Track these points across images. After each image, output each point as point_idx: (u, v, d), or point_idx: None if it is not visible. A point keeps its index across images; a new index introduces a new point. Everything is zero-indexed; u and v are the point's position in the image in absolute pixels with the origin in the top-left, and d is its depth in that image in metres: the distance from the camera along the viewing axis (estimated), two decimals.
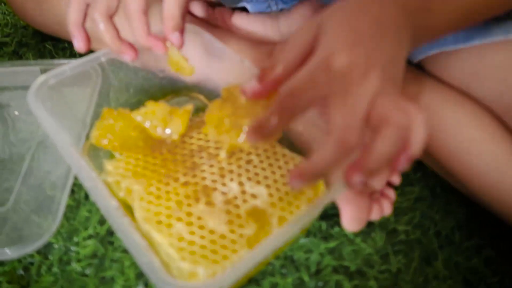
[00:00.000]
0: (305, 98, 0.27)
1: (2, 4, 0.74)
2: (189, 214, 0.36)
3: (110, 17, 0.39)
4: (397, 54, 0.30)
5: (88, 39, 0.40)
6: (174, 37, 0.38)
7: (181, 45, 0.39)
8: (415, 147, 0.27)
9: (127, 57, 0.40)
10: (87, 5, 0.39)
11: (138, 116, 0.41)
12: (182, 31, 0.39)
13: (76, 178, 0.47)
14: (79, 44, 0.40)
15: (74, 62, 0.42)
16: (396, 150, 0.26)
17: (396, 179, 0.42)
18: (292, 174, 0.26)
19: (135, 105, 0.47)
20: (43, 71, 0.58)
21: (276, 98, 0.28)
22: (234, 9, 0.59)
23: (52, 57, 0.63)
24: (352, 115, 0.27)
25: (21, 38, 0.67)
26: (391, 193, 0.41)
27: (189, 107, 0.43)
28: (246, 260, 0.29)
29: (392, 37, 0.29)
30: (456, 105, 0.42)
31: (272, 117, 0.27)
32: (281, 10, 0.58)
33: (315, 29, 0.29)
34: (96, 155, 0.44)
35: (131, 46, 0.40)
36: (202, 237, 0.34)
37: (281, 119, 0.27)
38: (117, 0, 0.38)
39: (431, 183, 0.46)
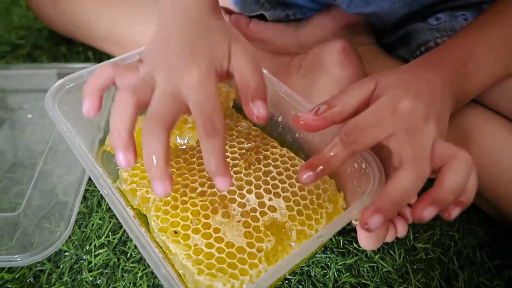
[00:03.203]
0: (371, 135, 0.30)
1: (17, 7, 0.74)
2: (206, 225, 0.35)
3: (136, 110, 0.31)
4: (444, 113, 0.33)
5: (99, 108, 0.33)
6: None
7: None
8: (470, 193, 0.29)
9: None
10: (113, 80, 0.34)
11: None
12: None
13: (89, 184, 0.46)
14: (87, 108, 0.33)
15: (92, 67, 0.42)
16: (465, 184, 0.28)
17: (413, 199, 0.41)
18: (368, 212, 0.28)
19: None
20: (57, 75, 0.58)
21: (340, 134, 0.30)
22: (251, 17, 0.58)
23: (66, 60, 0.63)
24: (422, 149, 0.29)
25: (36, 41, 0.66)
26: (408, 214, 0.40)
27: None
28: (265, 276, 0.28)
29: (441, 99, 0.33)
30: (483, 116, 0.42)
31: (336, 151, 0.29)
32: (300, 20, 0.57)
33: (373, 85, 0.33)
34: (110, 161, 0.43)
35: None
36: (220, 250, 0.33)
37: (343, 156, 0.29)
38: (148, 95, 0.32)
39: None
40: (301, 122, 0.32)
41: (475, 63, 0.35)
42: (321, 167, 0.29)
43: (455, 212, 0.29)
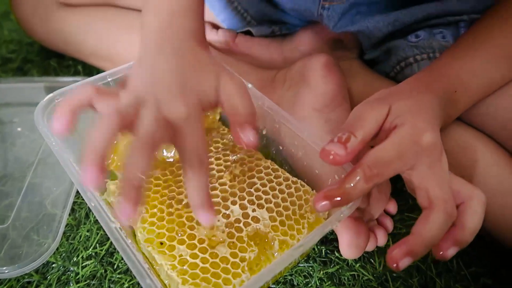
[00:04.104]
0: (394, 168, 0.30)
1: (8, 21, 0.75)
2: (191, 236, 0.36)
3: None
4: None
5: (69, 128, 0.31)
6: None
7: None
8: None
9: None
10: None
11: None
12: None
13: (77, 197, 0.47)
14: (57, 128, 0.31)
15: (82, 81, 0.43)
16: (481, 222, 0.30)
17: (393, 208, 0.43)
18: (400, 253, 0.29)
19: None
20: (47, 88, 0.59)
21: (362, 168, 0.30)
22: (238, 33, 0.60)
23: (57, 74, 0.64)
24: (448, 188, 0.30)
25: (26, 55, 0.68)
26: (388, 223, 0.42)
27: None
28: (247, 285, 0.30)
29: (439, 124, 0.34)
30: (465, 130, 0.43)
31: (359, 184, 0.30)
32: (285, 35, 0.59)
33: (387, 110, 0.33)
34: None
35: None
36: (204, 260, 0.34)
37: (365, 188, 0.30)
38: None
39: None
40: (331, 157, 0.31)
41: (463, 90, 0.37)
42: (339, 198, 0.30)
43: (451, 251, 0.30)
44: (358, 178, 0.30)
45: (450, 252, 0.29)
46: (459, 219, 0.30)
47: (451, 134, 0.43)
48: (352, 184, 0.30)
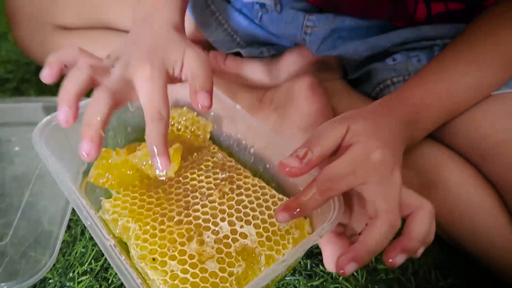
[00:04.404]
0: (345, 183, 0.33)
1: (6, 42, 0.77)
2: (182, 252, 0.38)
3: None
4: (401, 159, 0.36)
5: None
6: None
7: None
8: (432, 234, 0.33)
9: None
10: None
11: (134, 158, 0.43)
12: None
13: (73, 214, 0.49)
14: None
15: (85, 102, 0.45)
16: (430, 232, 0.32)
17: None
18: (346, 260, 0.31)
19: (132, 142, 0.50)
20: (44, 108, 0.61)
21: (317, 182, 0.33)
22: (228, 54, 0.62)
23: (53, 93, 0.66)
24: (393, 201, 0.32)
25: (24, 75, 0.70)
26: None
27: (178, 145, 0.45)
28: None
29: (400, 145, 0.37)
30: (436, 149, 0.46)
31: (313, 198, 0.32)
32: (273, 56, 0.62)
33: (345, 129, 0.35)
34: (93, 191, 0.46)
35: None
36: (194, 275, 0.36)
37: (319, 201, 0.33)
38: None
39: None
40: (287, 170, 0.34)
41: (427, 112, 0.40)
42: (298, 210, 0.32)
43: (420, 251, 0.33)
44: (313, 191, 0.32)
45: (399, 259, 0.31)
46: (407, 228, 0.32)
47: (424, 154, 0.45)
48: (307, 197, 0.33)
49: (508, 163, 0.40)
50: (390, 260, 0.31)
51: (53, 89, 0.67)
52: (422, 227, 0.31)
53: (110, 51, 0.39)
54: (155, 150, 0.33)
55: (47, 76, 0.35)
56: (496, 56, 0.41)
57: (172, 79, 0.38)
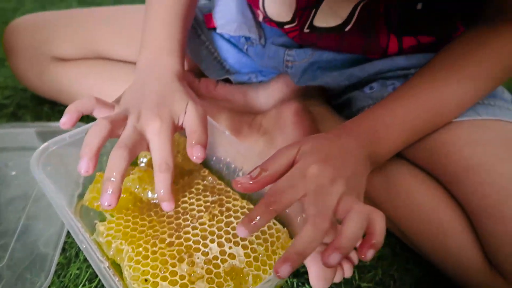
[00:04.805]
0: (287, 196, 0.35)
1: (3, 68, 0.80)
2: (173, 273, 0.40)
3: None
4: (358, 172, 0.39)
5: (74, 121, 0.41)
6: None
7: None
8: (378, 236, 0.34)
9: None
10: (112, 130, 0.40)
11: (128, 182, 0.46)
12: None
13: (67, 236, 0.50)
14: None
15: (73, 131, 0.47)
16: (361, 231, 0.33)
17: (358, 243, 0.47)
18: (279, 263, 0.32)
19: None
20: (41, 133, 0.63)
21: (264, 197, 0.36)
22: (218, 80, 0.65)
23: (49, 119, 0.68)
24: (324, 206, 0.34)
25: (20, 101, 0.72)
26: (354, 256, 0.46)
27: None
28: None
29: (354, 160, 0.40)
30: (410, 172, 0.49)
31: (261, 213, 0.35)
32: (260, 82, 0.65)
33: (296, 151, 0.39)
34: (87, 214, 0.48)
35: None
36: None
37: (267, 214, 0.35)
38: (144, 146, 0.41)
39: (391, 242, 0.51)
40: (239, 186, 0.37)
41: (386, 131, 0.42)
42: (254, 222, 0.35)
43: (370, 253, 0.33)
44: (262, 207, 0.35)
45: (332, 258, 0.32)
46: (340, 229, 0.33)
47: (397, 176, 0.48)
48: (258, 212, 0.35)
49: (472, 188, 0.43)
50: (325, 260, 0.33)
51: (49, 115, 0.69)
52: (351, 226, 0.33)
53: (118, 96, 0.45)
54: (161, 195, 0.39)
55: (66, 123, 0.41)
56: (457, 86, 0.44)
57: (176, 128, 0.43)
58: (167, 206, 0.40)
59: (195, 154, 0.41)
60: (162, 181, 0.39)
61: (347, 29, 0.53)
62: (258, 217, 0.34)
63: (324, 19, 0.53)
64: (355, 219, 0.33)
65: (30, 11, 1.02)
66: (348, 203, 0.35)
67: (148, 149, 0.41)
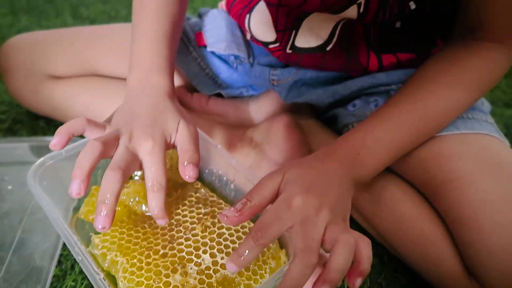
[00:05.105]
0: (274, 229, 0.36)
1: None
2: (166, 283, 0.41)
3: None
4: (342, 196, 0.40)
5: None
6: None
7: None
8: (365, 263, 0.35)
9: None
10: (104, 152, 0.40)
11: (123, 195, 0.47)
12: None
13: (63, 249, 0.51)
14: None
15: (69, 146, 0.49)
16: (348, 262, 0.34)
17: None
18: None
19: None
20: (36, 148, 0.64)
21: (251, 232, 0.36)
22: (210, 95, 0.67)
23: (45, 133, 0.69)
24: (311, 239, 0.35)
25: (16, 116, 0.73)
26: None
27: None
28: None
29: (338, 185, 0.40)
30: (395, 184, 0.50)
31: (249, 247, 0.35)
32: (251, 96, 0.67)
33: (280, 179, 0.39)
34: (82, 226, 0.49)
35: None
36: None
37: (256, 249, 0.36)
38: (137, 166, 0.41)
39: (379, 252, 0.52)
40: (225, 219, 0.38)
41: (368, 152, 0.44)
42: (243, 257, 0.36)
43: (358, 282, 0.35)
44: (250, 242, 0.36)
45: None
46: (327, 261, 0.34)
47: (385, 189, 0.50)
48: (246, 248, 0.36)
49: (450, 200, 0.45)
50: None
51: (44, 130, 0.70)
52: (338, 259, 0.34)
53: (109, 115, 0.45)
54: (155, 213, 0.40)
55: (56, 145, 0.41)
56: (434, 104, 0.46)
57: (168, 147, 0.44)
58: (161, 222, 0.41)
59: (188, 174, 0.42)
60: (155, 200, 0.40)
61: (328, 48, 0.55)
62: (247, 252, 0.35)
63: (306, 40, 0.55)
64: (342, 252, 0.34)
65: (25, 27, 1.05)
66: (335, 233, 0.35)
67: (141, 168, 0.41)
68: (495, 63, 0.46)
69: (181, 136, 0.44)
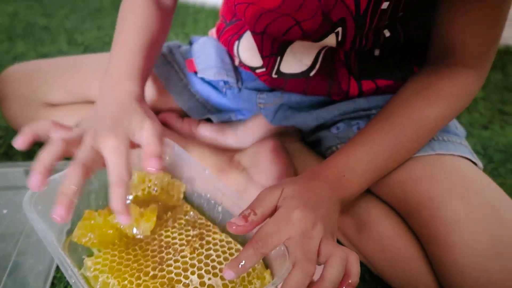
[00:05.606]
0: (274, 240, 0.39)
1: None
2: None
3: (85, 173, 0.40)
4: (330, 214, 0.43)
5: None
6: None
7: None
8: (354, 276, 0.38)
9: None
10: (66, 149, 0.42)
11: (114, 219, 0.49)
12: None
13: (56, 271, 0.53)
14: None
15: (63, 172, 0.51)
16: (341, 275, 0.37)
17: None
18: None
19: None
20: (27, 172, 0.66)
21: (251, 242, 0.39)
22: (200, 120, 0.70)
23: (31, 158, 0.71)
24: (309, 251, 0.38)
25: (12, 141, 0.75)
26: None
27: (154, 206, 0.51)
28: None
29: (327, 204, 0.44)
30: (375, 206, 0.53)
31: (248, 256, 0.38)
32: (240, 120, 0.70)
33: (279, 193, 0.43)
34: (75, 249, 0.51)
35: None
36: None
37: (255, 257, 0.38)
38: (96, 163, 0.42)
39: (361, 270, 0.54)
40: (234, 228, 0.40)
41: (352, 174, 0.47)
42: (241, 265, 0.38)
43: None
44: (250, 251, 0.38)
45: None
46: (322, 273, 0.37)
47: (364, 209, 0.53)
48: (246, 256, 0.38)
49: (424, 220, 0.47)
50: None
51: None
52: (332, 271, 0.37)
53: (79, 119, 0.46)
54: (117, 209, 0.40)
55: (20, 143, 0.42)
56: (410, 125, 0.49)
57: (133, 145, 0.45)
58: (123, 219, 0.40)
59: (150, 166, 0.42)
60: (117, 196, 0.40)
61: (311, 74, 0.58)
62: (244, 261, 0.37)
63: (290, 65, 0.58)
64: (336, 265, 0.37)
65: (22, 53, 1.08)
66: (329, 248, 0.38)
67: (105, 165, 0.42)
68: (465, 86, 0.50)
69: (145, 132, 0.45)
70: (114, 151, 0.42)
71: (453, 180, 0.48)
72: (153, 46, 0.57)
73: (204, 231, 0.51)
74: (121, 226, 0.49)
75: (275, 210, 0.42)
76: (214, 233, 0.51)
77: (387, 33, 0.53)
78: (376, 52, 0.56)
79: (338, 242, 0.56)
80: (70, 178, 0.39)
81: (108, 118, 0.45)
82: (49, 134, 0.44)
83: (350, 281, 0.38)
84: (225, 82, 0.65)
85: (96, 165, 0.42)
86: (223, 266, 0.47)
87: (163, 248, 0.49)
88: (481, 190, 0.47)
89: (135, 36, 0.55)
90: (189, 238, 0.50)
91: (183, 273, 0.46)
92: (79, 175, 0.39)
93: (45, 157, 0.40)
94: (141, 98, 0.51)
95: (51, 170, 0.40)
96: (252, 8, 0.52)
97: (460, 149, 0.53)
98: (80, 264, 0.48)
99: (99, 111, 0.48)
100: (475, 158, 0.54)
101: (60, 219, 0.38)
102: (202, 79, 0.68)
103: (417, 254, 0.48)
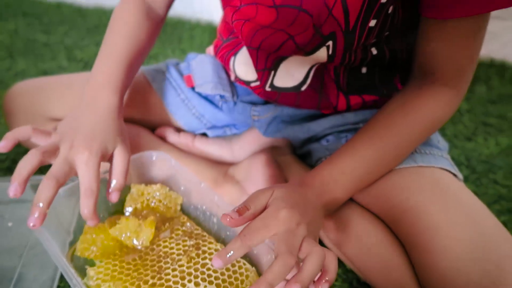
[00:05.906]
0: (261, 234, 0.41)
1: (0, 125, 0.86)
2: None
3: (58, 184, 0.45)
4: (316, 219, 0.47)
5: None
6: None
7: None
8: (331, 273, 0.41)
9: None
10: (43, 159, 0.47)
11: (116, 231, 0.52)
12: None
13: (60, 281, 0.56)
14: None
15: (66, 186, 0.54)
16: (318, 269, 0.40)
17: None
18: None
19: (113, 214, 0.58)
20: (34, 186, 0.68)
21: (240, 235, 0.41)
22: (196, 134, 0.73)
23: (42, 173, 0.74)
24: (291, 245, 0.41)
25: (15, 156, 0.78)
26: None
27: (152, 218, 0.54)
28: None
29: (312, 208, 0.47)
30: (360, 215, 0.56)
31: (236, 247, 0.40)
32: (234, 134, 0.73)
33: (270, 194, 0.45)
34: (78, 259, 0.53)
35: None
36: None
37: (242, 249, 0.41)
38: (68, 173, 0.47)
39: (349, 278, 0.57)
40: (228, 219, 0.42)
41: (335, 183, 0.50)
42: (228, 256, 0.40)
43: (324, 286, 0.40)
44: (238, 242, 0.40)
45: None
46: (300, 267, 0.39)
47: (348, 220, 0.56)
48: (234, 246, 0.40)
49: (407, 227, 0.50)
50: None
51: (42, 169, 0.75)
52: (309, 265, 0.39)
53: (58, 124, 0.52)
54: (86, 215, 0.46)
55: (1, 147, 0.47)
56: (391, 140, 0.52)
57: (104, 160, 0.50)
58: (91, 223, 0.46)
59: (111, 199, 0.50)
60: (86, 204, 0.46)
61: (303, 89, 0.61)
62: (232, 251, 0.40)
63: (283, 80, 0.62)
64: (314, 260, 0.40)
65: (23, 70, 1.11)
66: (310, 246, 0.41)
67: (77, 175, 0.48)
68: (444, 103, 0.53)
69: (115, 160, 0.51)
70: (86, 164, 0.47)
71: (434, 190, 0.51)
72: (139, 55, 0.61)
73: (200, 241, 0.54)
74: (122, 238, 0.52)
75: (265, 208, 0.44)
76: (210, 242, 0.54)
77: (374, 51, 0.57)
78: (364, 70, 0.60)
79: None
80: (43, 191, 0.44)
81: (85, 130, 0.50)
82: (30, 138, 0.49)
83: (327, 278, 0.40)
84: (221, 96, 0.69)
85: (69, 174, 0.47)
86: (218, 274, 0.50)
87: (161, 258, 0.52)
88: (459, 199, 0.50)
89: (122, 44, 0.58)
90: (186, 248, 0.53)
91: (180, 281, 0.49)
92: (52, 187, 0.44)
93: (22, 170, 0.45)
94: (118, 112, 0.55)
95: (28, 180, 0.45)
96: (249, 24, 0.56)
97: (441, 161, 0.56)
98: (82, 274, 0.51)
99: (78, 118, 0.52)
100: (455, 170, 0.57)
101: (33, 227, 0.44)
102: (199, 94, 0.71)
103: (401, 260, 0.51)
